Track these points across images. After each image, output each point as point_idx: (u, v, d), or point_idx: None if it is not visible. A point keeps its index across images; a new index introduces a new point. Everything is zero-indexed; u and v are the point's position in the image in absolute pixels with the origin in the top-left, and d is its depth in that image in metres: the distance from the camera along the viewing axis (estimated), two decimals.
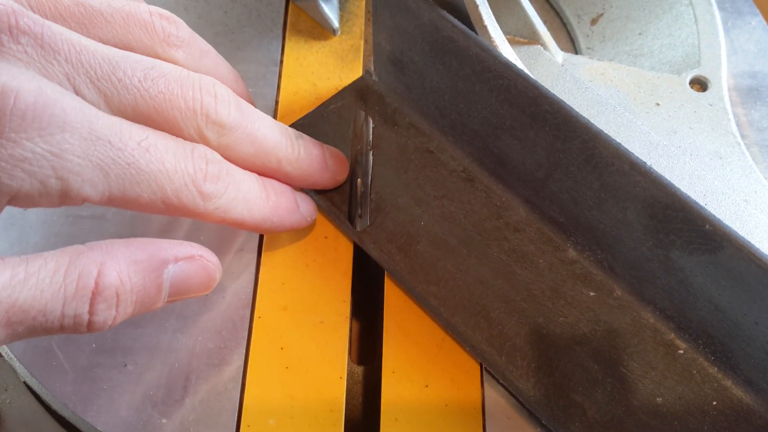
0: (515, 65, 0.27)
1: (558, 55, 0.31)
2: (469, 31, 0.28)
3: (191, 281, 0.25)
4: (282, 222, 0.28)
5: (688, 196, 0.24)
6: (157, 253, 0.23)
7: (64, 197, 0.21)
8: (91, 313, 0.22)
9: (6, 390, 0.31)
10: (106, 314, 0.22)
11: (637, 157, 0.25)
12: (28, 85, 0.20)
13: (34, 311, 0.21)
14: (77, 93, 0.22)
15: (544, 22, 0.32)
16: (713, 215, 0.24)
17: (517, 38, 0.31)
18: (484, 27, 0.28)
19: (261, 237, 0.31)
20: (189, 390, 0.27)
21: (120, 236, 0.24)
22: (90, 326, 0.22)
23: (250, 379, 0.27)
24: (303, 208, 0.29)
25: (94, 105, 0.22)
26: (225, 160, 0.26)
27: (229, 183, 0.25)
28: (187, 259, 0.24)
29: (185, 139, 0.25)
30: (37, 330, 0.21)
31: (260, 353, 0.28)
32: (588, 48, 0.35)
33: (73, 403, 0.27)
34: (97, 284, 0.22)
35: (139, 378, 0.27)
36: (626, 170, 0.25)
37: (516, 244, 0.30)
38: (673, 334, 0.28)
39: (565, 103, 0.26)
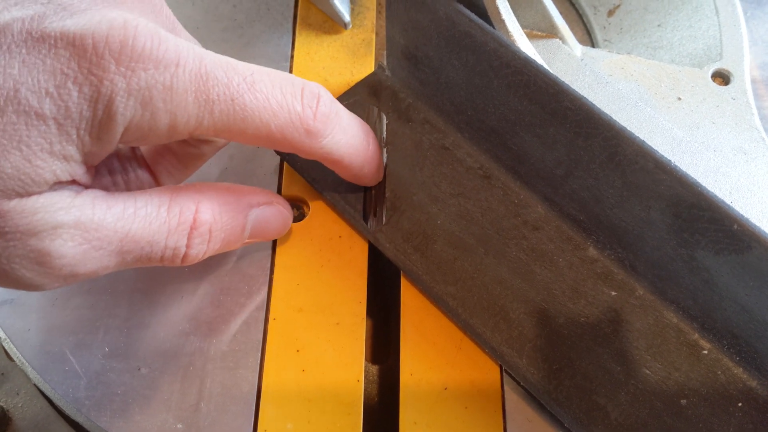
0: (535, 61, 0.26)
1: (576, 48, 0.30)
2: (487, 26, 0.27)
3: (270, 224, 0.27)
4: (371, 172, 0.29)
5: (715, 196, 0.24)
6: (243, 197, 0.26)
7: (172, 131, 0.22)
8: (188, 246, 0.24)
9: (18, 394, 0.30)
10: (199, 248, 0.24)
11: (662, 155, 0.24)
12: (146, 23, 0.21)
13: (143, 241, 0.23)
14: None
15: (560, 14, 0.31)
16: (741, 215, 0.23)
17: (534, 32, 0.30)
18: (502, 21, 0.27)
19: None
20: (204, 394, 0.27)
21: None
22: (185, 258, 0.24)
23: (266, 382, 0.27)
24: (381, 164, 0.30)
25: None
26: (336, 100, 0.26)
27: (336, 124, 0.26)
28: (267, 204, 0.27)
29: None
30: (142, 260, 0.23)
31: (276, 356, 0.27)
32: (605, 40, 0.34)
33: (86, 408, 0.27)
34: (195, 220, 0.24)
35: (153, 382, 0.27)
36: (650, 168, 0.25)
37: (535, 242, 0.29)
38: (697, 335, 0.27)
39: (586, 99, 0.25)
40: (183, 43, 0.22)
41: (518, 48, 0.26)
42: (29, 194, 0.20)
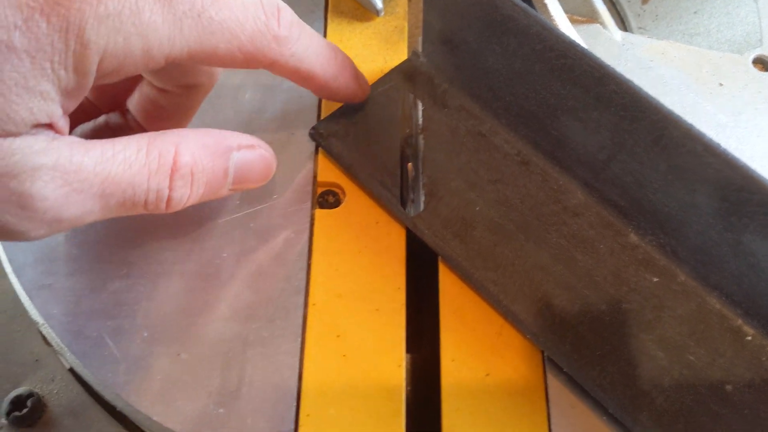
0: (579, 44, 0.26)
1: (617, 34, 0.30)
2: (530, 9, 0.27)
3: (253, 169, 0.27)
4: (347, 85, 0.30)
5: (765, 179, 0.23)
6: (223, 139, 0.26)
7: (147, 57, 0.22)
8: (171, 188, 0.24)
9: (53, 380, 0.30)
10: (182, 191, 0.24)
11: (711, 139, 0.24)
12: None
13: (124, 183, 0.23)
14: None
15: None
16: None
17: (575, 17, 0.30)
18: (545, 5, 0.27)
19: (312, 222, 0.30)
20: (245, 379, 0.26)
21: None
22: (169, 202, 0.24)
23: (307, 368, 0.27)
24: (361, 81, 0.31)
25: None
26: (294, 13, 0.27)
27: (301, 30, 0.26)
28: (248, 147, 0.27)
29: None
30: (126, 204, 0.23)
31: (316, 342, 0.27)
32: (640, 28, 0.34)
33: (126, 393, 0.26)
34: (174, 162, 0.24)
35: (193, 367, 0.27)
36: (698, 152, 0.24)
37: (575, 229, 0.29)
38: (740, 320, 0.27)
39: (633, 83, 0.25)
40: None
41: (562, 32, 0.26)
42: (5, 134, 0.20)
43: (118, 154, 0.23)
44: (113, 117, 0.29)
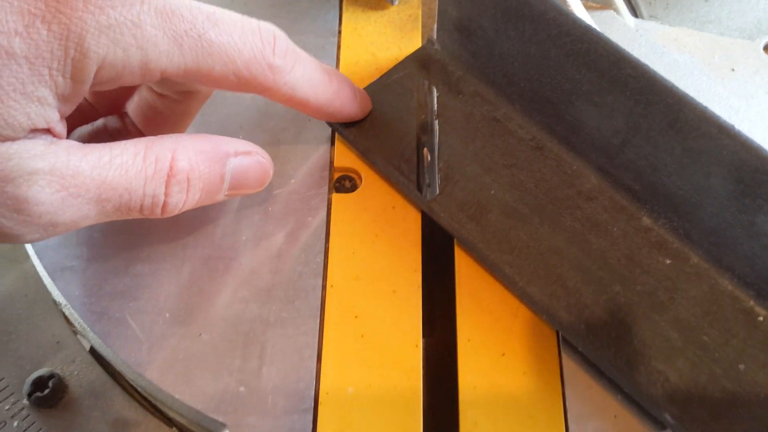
0: (595, 29, 0.26)
1: (630, 20, 0.30)
2: None
3: (249, 175, 0.27)
4: (342, 107, 0.30)
5: None
6: (219, 145, 0.26)
7: (145, 69, 0.22)
8: (167, 194, 0.24)
9: (73, 362, 0.31)
10: (178, 197, 0.24)
11: (726, 121, 0.24)
12: None
13: (121, 189, 0.23)
14: None
15: None
16: None
17: (589, 3, 0.30)
18: None
19: (329, 206, 0.30)
20: (265, 359, 0.27)
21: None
22: (165, 208, 0.24)
23: (326, 347, 0.27)
24: (361, 100, 0.31)
25: None
26: (290, 41, 0.27)
27: (296, 59, 0.27)
28: (245, 153, 0.27)
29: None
30: (122, 209, 0.23)
31: (335, 322, 0.28)
32: (651, 16, 0.34)
33: (149, 372, 0.27)
34: (171, 167, 0.24)
35: (214, 347, 0.27)
36: (713, 134, 0.25)
37: (589, 212, 0.29)
38: (752, 302, 0.27)
39: (648, 66, 0.25)
40: None
41: (578, 17, 0.27)
42: (3, 139, 0.20)
43: (115, 159, 0.23)
44: (111, 120, 0.29)
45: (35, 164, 0.21)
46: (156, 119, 0.28)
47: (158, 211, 0.24)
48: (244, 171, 0.27)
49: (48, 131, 0.22)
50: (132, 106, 0.29)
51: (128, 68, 0.22)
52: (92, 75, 0.21)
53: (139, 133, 0.28)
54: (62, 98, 0.21)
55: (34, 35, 0.20)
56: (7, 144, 0.21)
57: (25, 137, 0.21)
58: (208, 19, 0.23)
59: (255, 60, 0.25)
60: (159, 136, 0.25)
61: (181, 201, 0.25)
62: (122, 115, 0.29)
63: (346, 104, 0.30)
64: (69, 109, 0.22)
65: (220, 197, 0.27)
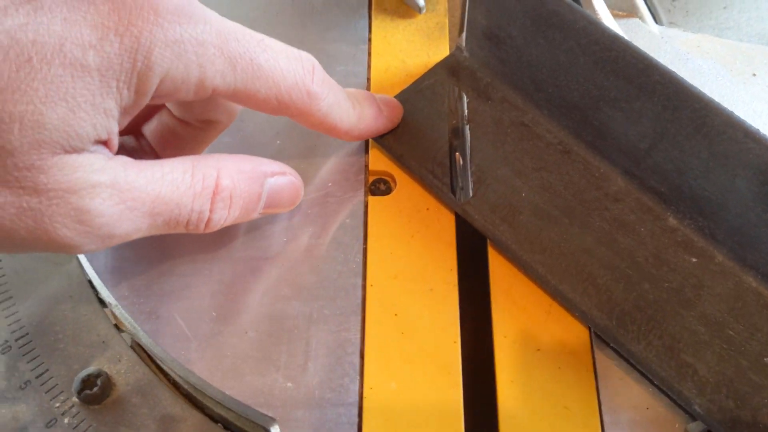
0: (623, 37, 0.27)
1: (654, 27, 0.31)
2: (575, 4, 0.28)
3: (283, 194, 0.29)
4: (368, 128, 0.31)
5: None
6: (258, 166, 0.27)
7: (200, 86, 0.23)
8: (211, 210, 0.25)
9: (120, 361, 0.32)
10: (221, 213, 0.26)
11: (751, 125, 0.26)
12: None
13: (172, 204, 0.24)
14: None
15: None
16: None
17: (615, 11, 0.31)
18: (590, 1, 0.29)
19: (365, 209, 0.32)
20: (310, 355, 0.28)
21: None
22: (208, 223, 0.26)
23: (368, 344, 0.28)
24: (387, 112, 0.32)
25: None
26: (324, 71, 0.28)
27: (330, 88, 0.28)
28: (280, 174, 0.28)
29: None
30: (171, 223, 0.24)
31: (375, 320, 0.29)
32: (671, 23, 0.36)
33: (198, 369, 0.28)
34: (217, 185, 0.25)
35: (261, 344, 0.28)
36: (740, 138, 0.26)
37: (617, 213, 0.30)
38: None
39: (675, 73, 0.27)
40: (210, 9, 0.24)
41: (607, 26, 0.28)
42: (71, 150, 0.21)
43: (166, 175, 0.24)
44: (128, 140, 0.29)
45: (98, 177, 0.22)
46: (174, 143, 0.29)
47: (202, 226, 0.26)
48: (279, 190, 0.28)
49: (106, 143, 0.23)
50: (150, 129, 0.29)
51: (186, 84, 0.23)
52: (154, 88, 0.22)
53: (155, 154, 0.29)
54: (124, 110, 0.22)
55: (107, 48, 0.21)
56: (74, 156, 0.22)
57: (88, 150, 0.22)
58: (259, 45, 0.25)
59: (296, 86, 0.26)
60: (203, 155, 0.26)
61: (223, 217, 0.26)
62: (138, 135, 0.30)
63: (371, 125, 0.31)
64: (125, 122, 0.23)
65: (255, 215, 0.28)
